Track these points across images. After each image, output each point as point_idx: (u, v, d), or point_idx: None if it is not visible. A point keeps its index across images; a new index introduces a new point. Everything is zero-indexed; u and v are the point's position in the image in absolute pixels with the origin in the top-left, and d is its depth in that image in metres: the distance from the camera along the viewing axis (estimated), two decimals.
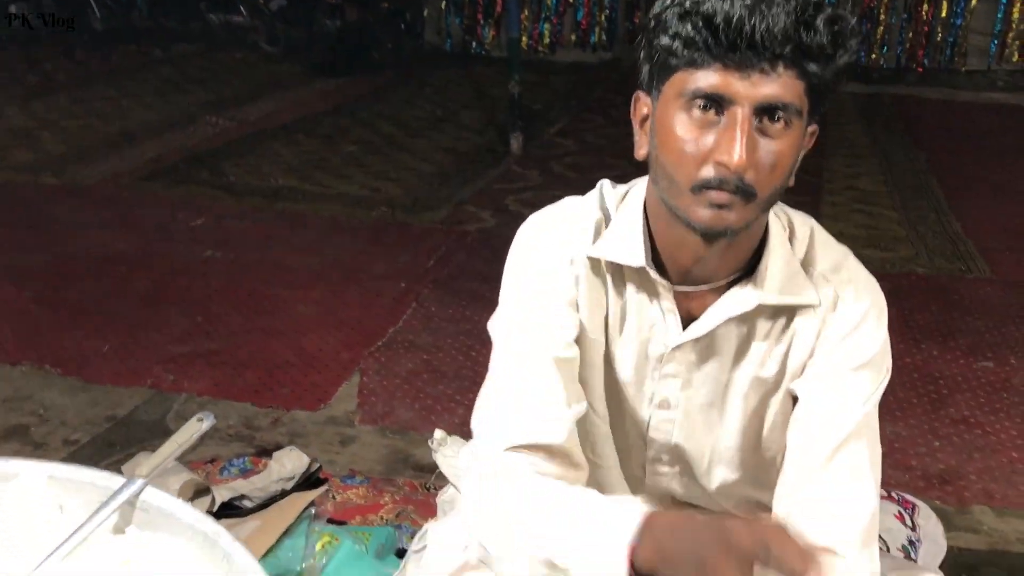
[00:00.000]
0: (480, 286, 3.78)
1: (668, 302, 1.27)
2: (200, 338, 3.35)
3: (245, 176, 5.38)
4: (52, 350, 3.24)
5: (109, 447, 2.75)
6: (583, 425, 1.32)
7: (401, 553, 1.90)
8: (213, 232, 4.41)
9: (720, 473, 1.36)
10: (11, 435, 2.80)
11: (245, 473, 2.27)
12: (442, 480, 1.97)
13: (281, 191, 5.10)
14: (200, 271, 3.92)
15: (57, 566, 1.11)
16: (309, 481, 2.18)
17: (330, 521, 2.03)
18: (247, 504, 2.01)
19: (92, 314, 3.51)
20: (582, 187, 1.46)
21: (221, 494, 1.99)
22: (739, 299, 1.25)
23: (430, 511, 2.11)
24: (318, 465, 2.24)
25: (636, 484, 1.40)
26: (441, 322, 3.56)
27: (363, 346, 3.33)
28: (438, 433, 1.82)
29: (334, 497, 2.16)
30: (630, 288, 1.30)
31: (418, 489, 2.28)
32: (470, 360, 3.26)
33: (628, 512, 1.07)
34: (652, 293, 1.28)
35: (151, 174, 5.35)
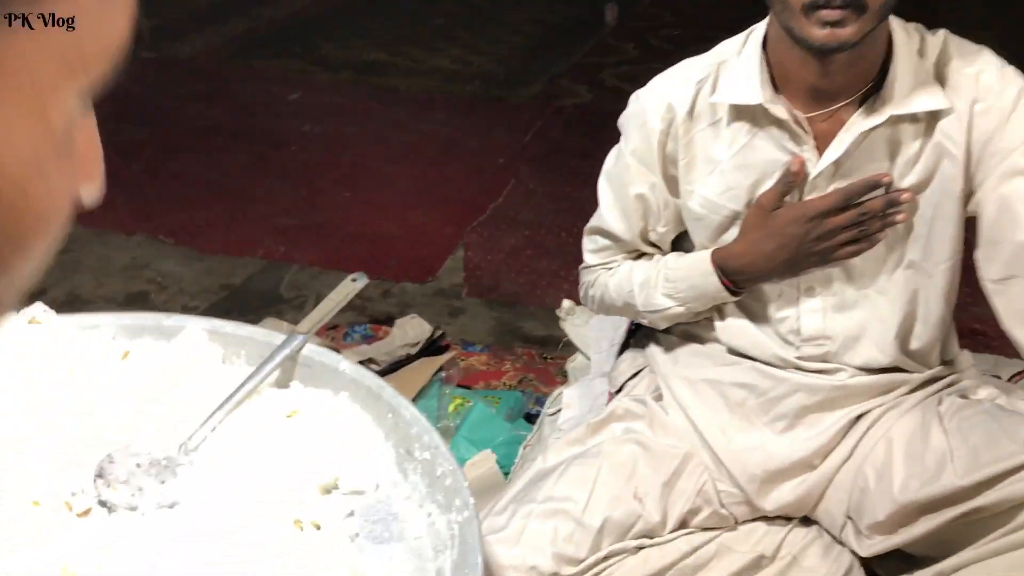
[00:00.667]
0: (579, 162, 3.71)
1: (800, 134, 1.28)
2: (306, 210, 3.38)
3: (337, 50, 5.33)
4: (164, 221, 3.31)
5: (226, 314, 2.83)
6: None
7: (529, 417, 1.94)
8: (309, 106, 4.40)
9: (868, 304, 1.34)
10: (133, 301, 2.91)
11: (367, 340, 2.32)
12: (569, 349, 1.98)
13: (374, 65, 5.04)
14: (301, 144, 3.93)
15: (225, 419, 1.14)
16: (432, 348, 2.21)
17: (459, 386, 2.07)
18: (375, 368, 2.06)
19: (199, 186, 3.57)
20: (679, 61, 1.43)
21: (350, 358, 2.03)
22: (870, 114, 1.25)
23: (550, 379, 2.13)
24: (440, 332, 2.27)
25: (787, 326, 1.38)
26: (541, 198, 3.52)
27: (466, 221, 3.33)
28: (566, 303, 1.81)
29: (458, 363, 2.20)
30: (760, 131, 1.31)
31: (535, 358, 2.30)
32: (572, 237, 3.21)
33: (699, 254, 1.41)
34: (783, 129, 1.29)
35: (243, 48, 5.33)
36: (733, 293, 1.36)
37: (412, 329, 2.20)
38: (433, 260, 3.10)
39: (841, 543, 1.38)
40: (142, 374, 1.21)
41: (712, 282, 1.36)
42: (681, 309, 1.40)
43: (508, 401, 1.94)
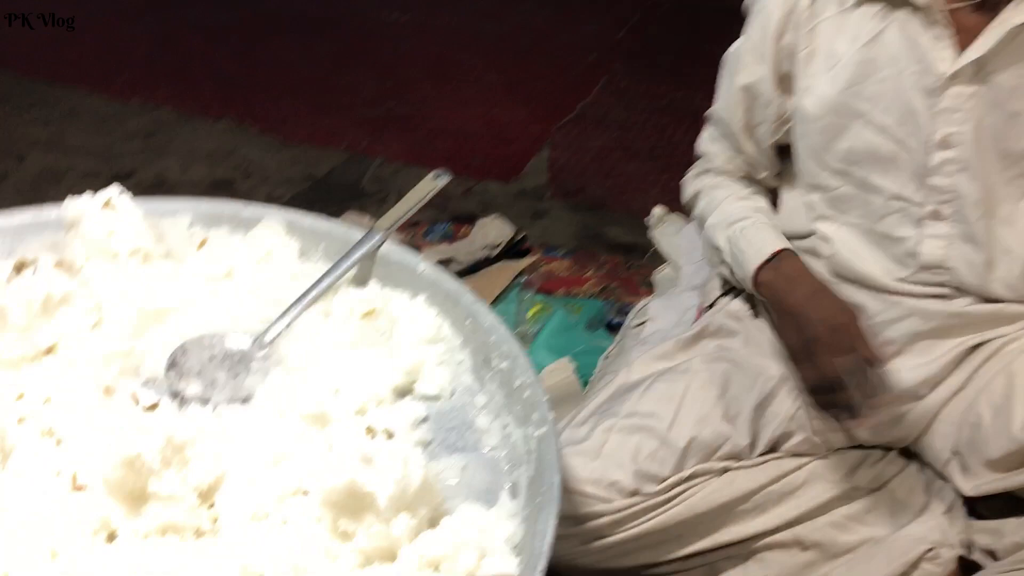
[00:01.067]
0: (675, 60, 3.53)
1: (938, 25, 1.16)
2: (391, 102, 3.31)
3: None
4: (250, 107, 3.29)
5: (309, 205, 2.81)
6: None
7: (610, 327, 1.88)
8: None
9: (995, 236, 1.22)
10: (218, 188, 2.91)
11: (448, 239, 2.27)
12: (656, 259, 1.90)
13: None
14: (387, 35, 3.83)
15: (300, 315, 1.11)
16: (513, 250, 2.15)
17: (539, 291, 2.02)
18: (455, 268, 2.02)
19: (286, 74, 3.52)
20: None
21: (429, 257, 2.00)
22: (1020, 9, 1.12)
23: (634, 289, 2.06)
24: (523, 235, 2.21)
25: (905, 251, 1.27)
26: (634, 98, 3.37)
27: (552, 119, 3.22)
28: (657, 210, 1.73)
29: (540, 268, 2.14)
30: (892, 21, 1.19)
31: (619, 266, 2.22)
32: (664, 139, 3.09)
33: (770, 242, 1.33)
34: (920, 17, 1.17)
35: None
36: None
37: (493, 230, 2.14)
38: (517, 159, 3.01)
39: (943, 478, 1.30)
40: (218, 264, 1.18)
41: (748, 275, 1.33)
42: (724, 269, 1.39)
43: (589, 310, 1.88)
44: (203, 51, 3.66)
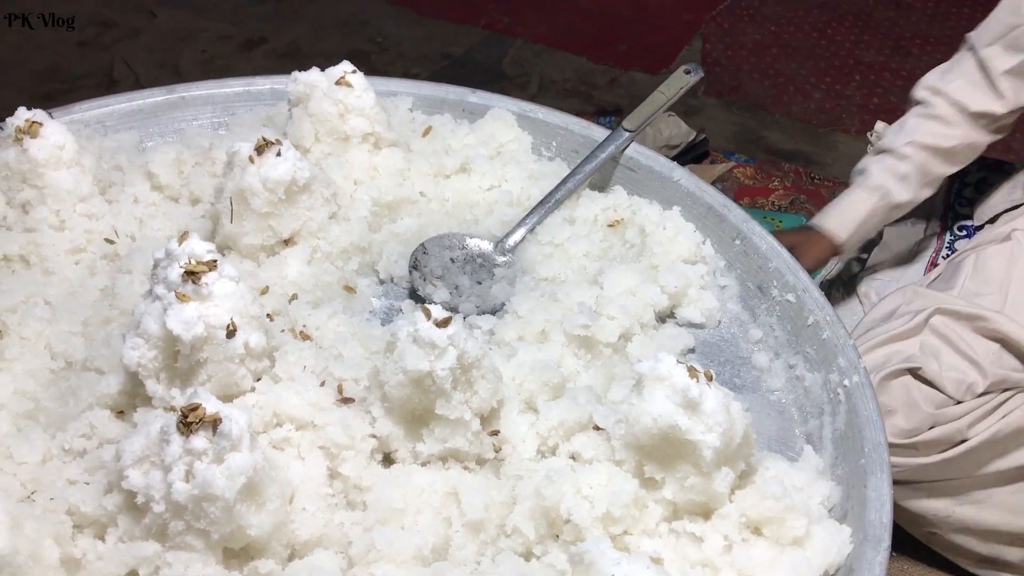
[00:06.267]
0: None
1: None
2: None
3: None
4: None
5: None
6: None
7: None
8: None
9: None
10: (353, 60, 2.77)
11: None
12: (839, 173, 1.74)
13: None
14: None
15: (543, 219, 1.00)
16: (692, 154, 2.01)
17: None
18: None
19: None
20: None
21: None
22: None
23: (823, 202, 1.91)
24: (703, 136, 2.05)
25: None
26: None
27: (706, 8, 3.00)
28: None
29: (735, 176, 1.99)
30: None
31: (803, 176, 2.06)
32: (825, 38, 2.86)
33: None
34: None
35: None
36: None
37: (667, 128, 1.98)
38: (667, 49, 2.82)
39: None
40: (450, 157, 1.07)
41: None
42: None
43: (788, 223, 1.74)
44: None
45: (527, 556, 0.71)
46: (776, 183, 1.99)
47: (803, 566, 0.68)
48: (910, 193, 1.31)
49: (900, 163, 1.31)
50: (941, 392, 1.16)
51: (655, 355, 0.72)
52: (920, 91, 1.33)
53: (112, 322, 0.85)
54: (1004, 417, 1.15)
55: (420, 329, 0.72)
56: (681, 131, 1.99)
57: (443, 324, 0.73)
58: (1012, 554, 1.30)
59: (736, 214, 0.99)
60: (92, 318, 0.85)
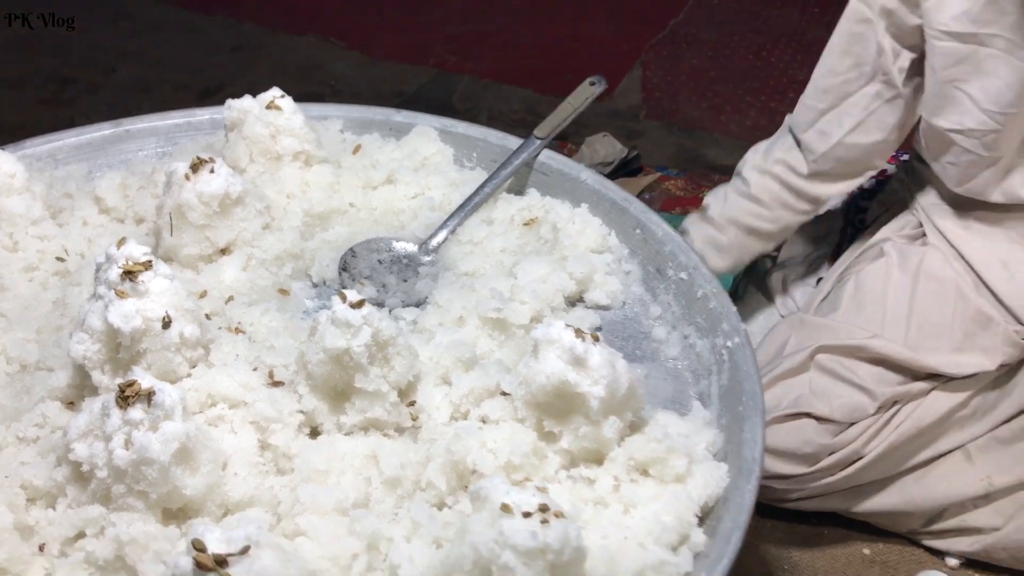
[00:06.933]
0: None
1: None
2: (478, 18, 3.25)
3: None
4: (335, 22, 3.25)
5: None
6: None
7: None
8: None
9: None
10: (308, 101, 2.89)
11: None
12: None
13: None
14: None
15: (463, 221, 1.09)
16: (626, 169, 2.12)
17: (661, 209, 1.98)
18: None
19: None
20: None
21: None
22: None
23: None
24: (635, 153, 2.16)
25: None
26: (727, 16, 3.27)
27: (644, 37, 3.13)
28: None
29: (662, 187, 2.10)
30: None
31: None
32: (760, 60, 3.00)
33: None
34: None
35: None
36: None
37: (603, 147, 2.10)
38: (609, 78, 2.94)
39: None
40: (377, 170, 1.16)
41: None
42: None
43: None
44: None
45: (440, 507, 0.79)
46: (705, 193, 2.10)
47: (683, 497, 0.77)
48: (727, 263, 1.44)
49: (719, 235, 1.44)
50: (834, 422, 1.24)
51: (549, 323, 0.81)
52: (745, 168, 1.44)
53: (63, 329, 0.93)
54: (896, 428, 1.23)
55: (337, 311, 0.81)
56: (615, 149, 2.10)
57: (357, 306, 0.82)
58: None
59: (636, 207, 1.09)
60: (45, 327, 0.94)
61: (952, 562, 1.31)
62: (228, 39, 3.18)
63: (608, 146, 2.07)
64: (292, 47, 3.16)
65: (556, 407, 0.80)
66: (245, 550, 0.62)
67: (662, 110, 2.80)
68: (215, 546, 0.62)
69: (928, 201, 1.32)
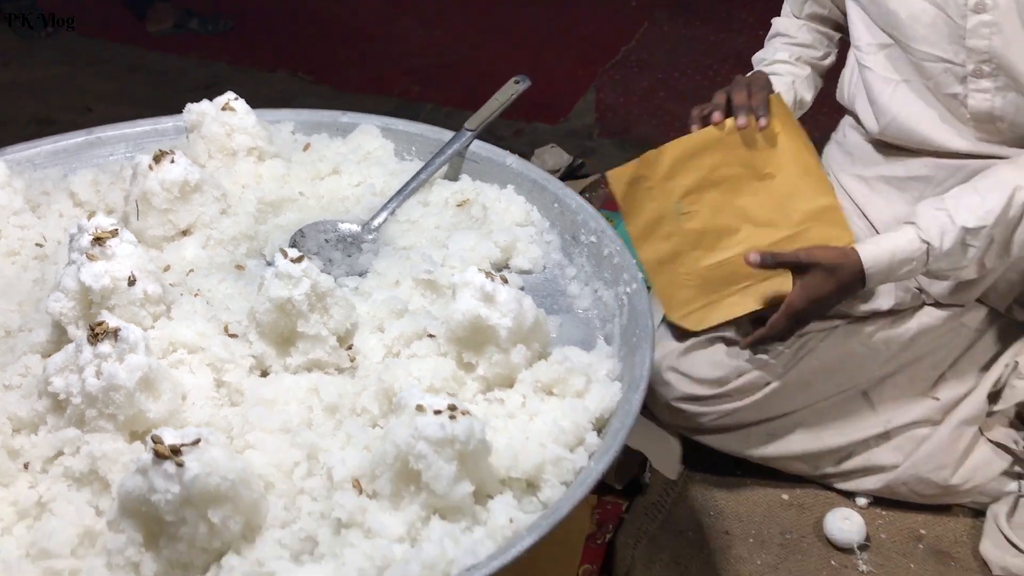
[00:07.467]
0: (717, 4, 3.60)
1: None
2: (438, 50, 3.42)
3: None
4: (303, 58, 3.41)
5: None
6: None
7: None
8: None
9: None
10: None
11: None
12: None
13: None
14: None
15: (402, 204, 1.22)
16: (572, 178, 2.26)
17: (601, 208, 2.12)
18: None
19: (335, 25, 3.63)
20: None
21: None
22: None
23: None
24: (580, 162, 2.31)
25: (956, 105, 1.34)
26: (677, 41, 3.45)
27: (598, 63, 3.31)
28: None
29: (600, 189, 2.25)
30: None
31: None
32: (708, 80, 3.17)
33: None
34: None
35: None
36: None
37: (551, 158, 2.25)
38: (565, 101, 3.10)
39: (1008, 317, 1.43)
40: (324, 163, 1.29)
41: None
42: None
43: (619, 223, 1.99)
44: (254, 4, 3.78)
45: (372, 427, 0.91)
46: None
47: (581, 408, 0.89)
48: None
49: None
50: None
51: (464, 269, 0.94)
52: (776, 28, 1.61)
53: (42, 300, 1.05)
54: (804, 357, 1.37)
55: (279, 266, 0.94)
56: (562, 159, 2.26)
57: (297, 260, 0.94)
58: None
59: (554, 185, 1.23)
60: (26, 300, 1.06)
61: (861, 501, 1.44)
62: (202, 78, 3.33)
63: (556, 156, 2.22)
64: (263, 82, 3.31)
65: (472, 340, 0.93)
66: (196, 442, 0.74)
67: (615, 128, 2.95)
68: (171, 439, 0.74)
69: (838, 167, 1.48)
